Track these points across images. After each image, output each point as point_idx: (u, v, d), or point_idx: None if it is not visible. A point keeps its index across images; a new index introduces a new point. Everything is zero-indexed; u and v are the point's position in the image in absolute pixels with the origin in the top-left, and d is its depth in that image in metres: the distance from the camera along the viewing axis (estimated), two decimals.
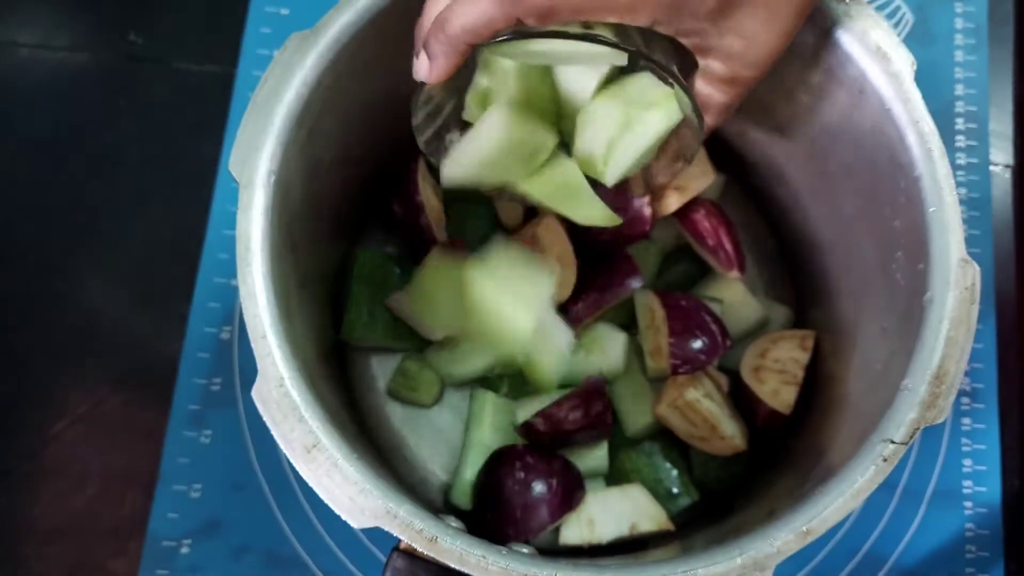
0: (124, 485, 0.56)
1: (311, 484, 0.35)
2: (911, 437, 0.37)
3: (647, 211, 0.51)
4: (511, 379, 0.54)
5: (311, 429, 0.36)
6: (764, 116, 0.50)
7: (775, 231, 0.59)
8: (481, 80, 0.41)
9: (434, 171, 0.54)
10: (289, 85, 0.40)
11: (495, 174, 0.43)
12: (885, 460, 0.37)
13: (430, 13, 0.36)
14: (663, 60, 0.35)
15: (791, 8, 0.36)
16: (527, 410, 0.50)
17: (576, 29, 0.34)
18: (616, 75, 0.41)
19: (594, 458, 0.52)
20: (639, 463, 0.52)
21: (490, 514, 0.48)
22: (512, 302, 0.46)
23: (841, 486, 0.36)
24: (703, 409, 0.49)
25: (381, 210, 0.55)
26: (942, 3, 0.66)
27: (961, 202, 0.60)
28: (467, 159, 0.42)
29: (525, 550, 0.37)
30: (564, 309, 0.51)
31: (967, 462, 0.58)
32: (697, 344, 0.49)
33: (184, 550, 0.54)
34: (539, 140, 0.42)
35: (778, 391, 0.50)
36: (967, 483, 0.58)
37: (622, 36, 0.35)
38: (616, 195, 0.50)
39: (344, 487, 0.35)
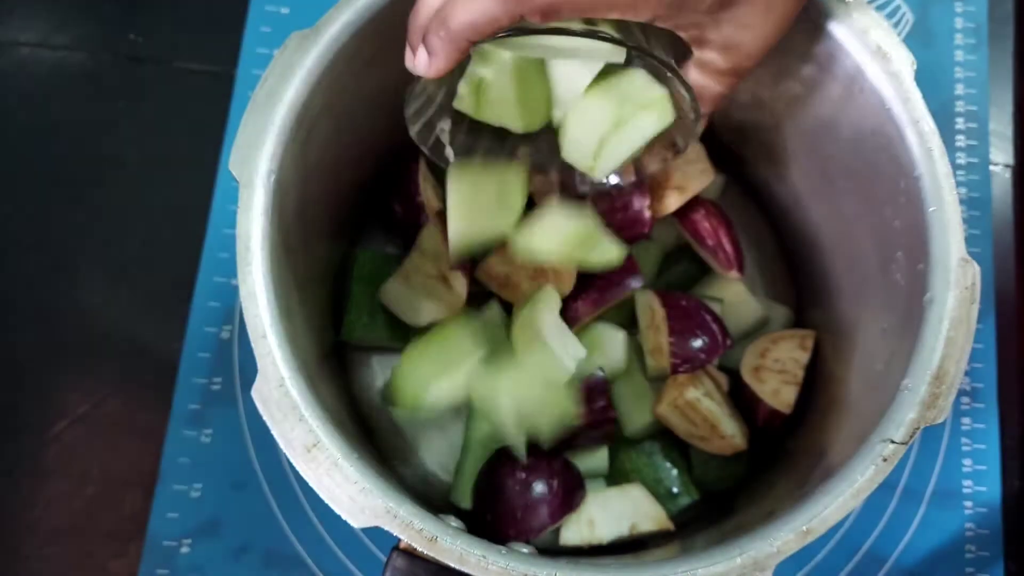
0: (124, 485, 0.56)
1: (311, 484, 0.35)
2: (911, 437, 0.37)
3: (647, 212, 0.51)
4: None
5: (311, 428, 0.36)
6: (760, 110, 0.50)
7: (775, 231, 0.59)
8: (476, 69, 0.41)
9: (434, 171, 0.54)
10: (289, 84, 0.40)
11: (484, 225, 0.45)
12: (885, 460, 0.37)
13: (426, 5, 0.36)
14: (663, 55, 0.35)
15: None
16: None
17: (578, 26, 0.34)
18: (609, 69, 0.41)
19: (594, 458, 0.52)
20: (639, 463, 0.52)
21: (490, 514, 0.48)
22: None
23: (841, 486, 0.36)
24: (703, 408, 0.49)
25: (381, 210, 0.55)
26: (942, 3, 0.66)
27: (961, 202, 0.60)
28: (452, 224, 0.44)
29: (525, 550, 0.37)
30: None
31: (967, 462, 0.58)
32: (697, 343, 0.49)
33: (184, 550, 0.54)
34: (506, 180, 0.44)
35: (778, 391, 0.50)
36: (967, 483, 0.58)
37: (624, 32, 0.35)
38: (616, 195, 0.50)
39: (344, 486, 0.35)
